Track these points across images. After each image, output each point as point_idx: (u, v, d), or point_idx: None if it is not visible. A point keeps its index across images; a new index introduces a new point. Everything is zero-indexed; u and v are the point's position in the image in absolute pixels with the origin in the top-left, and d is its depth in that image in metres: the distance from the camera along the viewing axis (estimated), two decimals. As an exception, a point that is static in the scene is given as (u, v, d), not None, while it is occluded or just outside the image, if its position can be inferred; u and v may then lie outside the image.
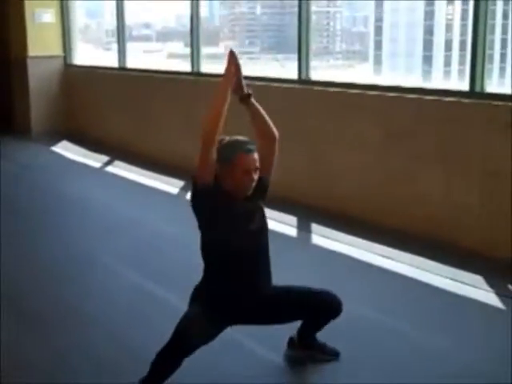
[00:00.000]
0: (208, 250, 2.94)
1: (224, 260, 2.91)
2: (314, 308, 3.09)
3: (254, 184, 2.88)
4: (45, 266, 4.65)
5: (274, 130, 2.99)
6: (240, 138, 2.92)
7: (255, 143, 2.90)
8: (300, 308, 3.08)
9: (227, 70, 2.83)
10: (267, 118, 2.97)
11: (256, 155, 2.86)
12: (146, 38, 10.21)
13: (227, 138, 2.90)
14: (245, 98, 2.91)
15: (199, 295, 2.96)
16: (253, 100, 2.93)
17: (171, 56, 9.53)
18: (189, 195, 2.97)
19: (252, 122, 2.97)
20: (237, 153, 2.82)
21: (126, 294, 4.10)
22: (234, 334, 3.30)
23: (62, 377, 3.14)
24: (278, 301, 3.04)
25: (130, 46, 8.88)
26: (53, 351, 3.39)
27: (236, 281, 2.91)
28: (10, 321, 3.70)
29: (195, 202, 2.86)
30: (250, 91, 2.93)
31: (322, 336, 3.27)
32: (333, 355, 3.28)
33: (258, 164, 2.86)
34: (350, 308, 3.86)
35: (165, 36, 10.04)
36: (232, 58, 2.83)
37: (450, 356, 3.31)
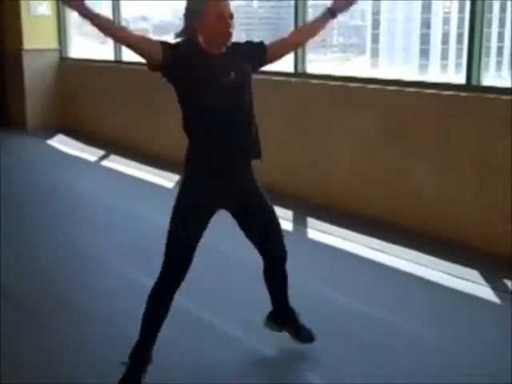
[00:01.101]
0: (187, 112, 2.83)
1: (201, 117, 2.80)
2: (273, 235, 3.13)
3: (232, 31, 2.77)
4: (39, 261, 4.63)
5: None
6: None
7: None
8: (265, 222, 3.11)
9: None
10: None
11: (227, 3, 2.78)
12: (143, 31, 10.15)
13: None
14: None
15: (187, 165, 2.89)
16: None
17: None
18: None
19: (307, 26, 3.45)
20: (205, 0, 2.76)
21: (123, 290, 4.06)
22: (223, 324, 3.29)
23: (60, 377, 3.10)
24: (258, 194, 3.02)
25: (127, 39, 8.83)
26: (50, 351, 3.35)
27: (217, 137, 2.80)
28: (6, 320, 3.66)
29: (167, 76, 2.80)
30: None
31: (318, 330, 3.26)
32: (306, 340, 3.23)
33: (231, 10, 2.78)
34: (346, 302, 3.87)
35: (162, 29, 9.99)
36: None
37: (446, 350, 3.30)
